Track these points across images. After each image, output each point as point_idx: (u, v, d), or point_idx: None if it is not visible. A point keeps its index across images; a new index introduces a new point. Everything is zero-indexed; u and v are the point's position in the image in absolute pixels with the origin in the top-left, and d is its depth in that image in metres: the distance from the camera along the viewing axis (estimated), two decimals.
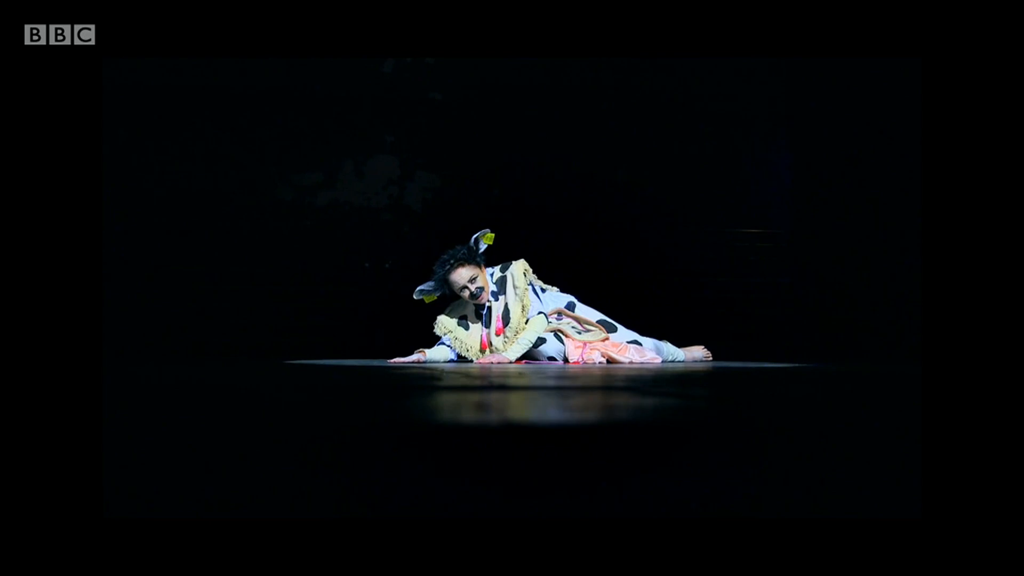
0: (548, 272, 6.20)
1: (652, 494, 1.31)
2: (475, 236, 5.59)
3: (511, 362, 5.30)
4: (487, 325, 5.51)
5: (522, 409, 2.15)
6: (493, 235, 5.61)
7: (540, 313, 5.42)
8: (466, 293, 5.50)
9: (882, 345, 6.26)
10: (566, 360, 5.38)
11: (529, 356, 5.41)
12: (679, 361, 5.72)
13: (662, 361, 5.55)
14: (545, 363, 5.31)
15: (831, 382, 3.85)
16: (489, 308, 5.54)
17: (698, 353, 5.88)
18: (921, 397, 2.41)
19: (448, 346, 5.59)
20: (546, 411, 2.06)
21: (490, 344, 5.47)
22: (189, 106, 6.88)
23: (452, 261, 5.54)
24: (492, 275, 5.58)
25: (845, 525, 1.23)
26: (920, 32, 3.26)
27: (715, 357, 6.08)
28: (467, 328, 5.58)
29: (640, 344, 5.52)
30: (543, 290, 5.65)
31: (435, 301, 5.68)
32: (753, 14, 4.02)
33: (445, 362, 5.52)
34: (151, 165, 6.74)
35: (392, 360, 5.49)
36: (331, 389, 2.82)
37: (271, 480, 1.39)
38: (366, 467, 1.39)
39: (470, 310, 5.61)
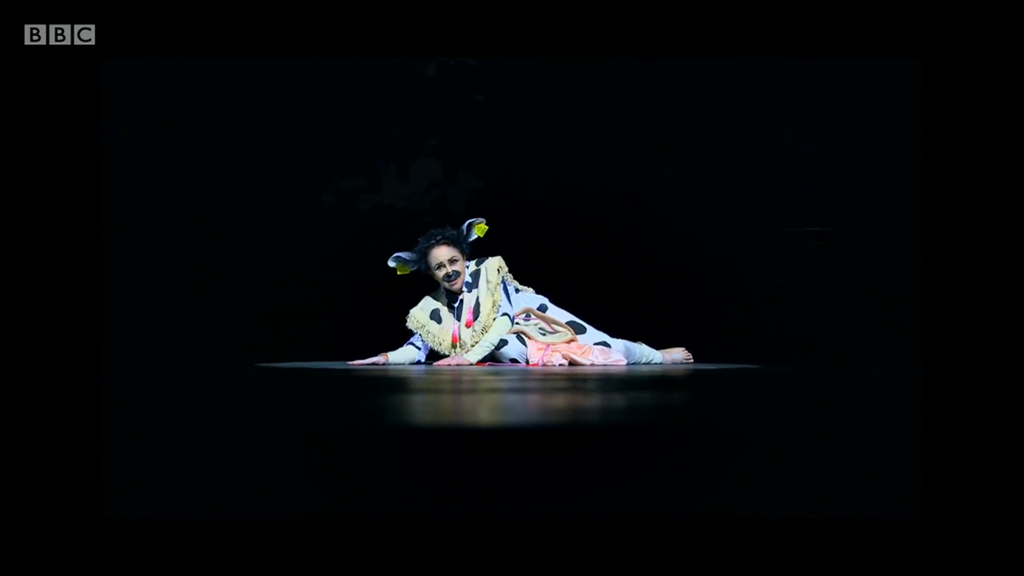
0: (582, 274, 6.06)
1: (649, 494, 1.30)
2: (468, 222, 5.52)
3: (472, 364, 5.22)
4: (458, 318, 5.44)
5: (480, 411, 2.15)
6: (486, 227, 5.54)
7: (504, 314, 5.35)
8: (441, 272, 5.40)
9: (883, 345, 6.25)
10: (528, 362, 5.29)
11: (491, 358, 5.31)
12: (655, 363, 5.60)
13: (630, 363, 5.44)
14: (507, 365, 5.24)
15: (830, 383, 3.85)
16: (461, 300, 5.46)
17: (678, 355, 5.75)
18: (921, 397, 2.41)
19: (416, 346, 5.53)
20: (504, 413, 2.06)
21: (460, 338, 5.40)
22: (216, 109, 6.85)
23: (439, 237, 5.43)
24: (467, 267, 5.51)
25: (845, 525, 1.23)
26: (920, 32, 3.26)
27: (728, 358, 5.97)
28: (439, 322, 5.51)
29: (608, 346, 5.41)
30: (516, 290, 5.58)
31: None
32: (754, 14, 4.03)
33: (410, 363, 5.45)
34: (165, 167, 6.69)
35: (353, 362, 5.41)
36: (307, 391, 2.81)
37: (261, 482, 1.40)
38: (346, 469, 1.39)
39: (442, 304, 5.53)
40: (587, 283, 6.82)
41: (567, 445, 1.56)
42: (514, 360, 5.29)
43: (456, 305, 5.47)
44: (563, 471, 1.40)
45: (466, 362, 5.24)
